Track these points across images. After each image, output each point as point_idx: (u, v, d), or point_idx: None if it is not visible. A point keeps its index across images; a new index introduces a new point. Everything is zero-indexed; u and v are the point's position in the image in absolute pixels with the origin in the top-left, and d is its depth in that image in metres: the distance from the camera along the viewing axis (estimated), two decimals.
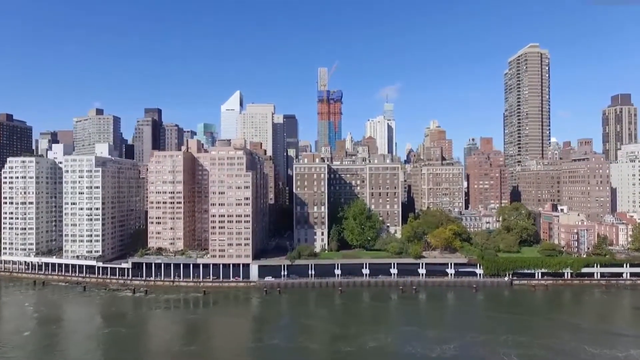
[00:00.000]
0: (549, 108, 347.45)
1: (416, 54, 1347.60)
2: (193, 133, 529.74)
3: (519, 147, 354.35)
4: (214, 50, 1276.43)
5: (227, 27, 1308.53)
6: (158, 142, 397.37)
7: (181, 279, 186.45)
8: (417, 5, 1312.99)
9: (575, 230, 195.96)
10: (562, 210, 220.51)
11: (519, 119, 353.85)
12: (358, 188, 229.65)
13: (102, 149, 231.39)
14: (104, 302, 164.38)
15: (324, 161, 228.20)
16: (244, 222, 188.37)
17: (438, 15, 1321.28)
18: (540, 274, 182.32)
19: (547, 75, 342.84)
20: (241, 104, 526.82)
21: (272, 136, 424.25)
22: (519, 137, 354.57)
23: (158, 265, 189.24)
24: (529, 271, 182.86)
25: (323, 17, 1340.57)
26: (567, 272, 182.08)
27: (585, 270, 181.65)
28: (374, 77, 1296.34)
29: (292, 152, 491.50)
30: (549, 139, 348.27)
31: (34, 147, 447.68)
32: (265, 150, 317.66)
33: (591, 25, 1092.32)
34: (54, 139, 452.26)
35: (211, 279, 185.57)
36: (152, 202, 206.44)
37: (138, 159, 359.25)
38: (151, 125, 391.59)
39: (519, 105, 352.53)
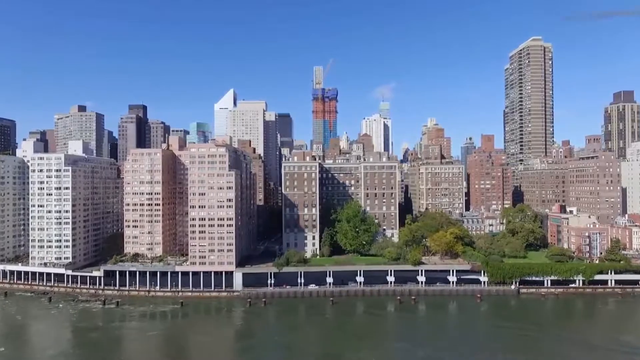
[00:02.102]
0: (552, 104, 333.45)
1: (412, 52, 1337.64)
2: (186, 132, 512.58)
3: (521, 145, 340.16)
4: (209, 49, 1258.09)
5: (223, 25, 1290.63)
6: (143, 140, 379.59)
7: (158, 289, 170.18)
8: (413, 4, 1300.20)
9: (587, 234, 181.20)
10: (571, 211, 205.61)
11: (521, 116, 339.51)
12: (352, 188, 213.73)
13: (76, 147, 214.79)
14: (69, 316, 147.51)
15: (315, 159, 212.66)
16: (227, 225, 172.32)
17: (435, 14, 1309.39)
18: (549, 282, 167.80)
19: (551, 70, 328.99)
20: (235, 103, 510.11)
21: (264, 134, 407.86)
22: (521, 134, 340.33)
23: (133, 274, 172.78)
24: (537, 278, 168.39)
25: (319, 16, 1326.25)
26: (579, 280, 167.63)
27: (598, 277, 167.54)
28: (369, 76, 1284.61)
29: (286, 152, 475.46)
30: (553, 136, 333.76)
31: (20, 147, 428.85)
32: (254, 149, 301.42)
33: (591, 23, 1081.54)
34: (42, 138, 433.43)
35: (190, 289, 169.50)
36: (128, 204, 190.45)
37: (121, 157, 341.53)
38: (135, 122, 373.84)
39: (521, 101, 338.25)
